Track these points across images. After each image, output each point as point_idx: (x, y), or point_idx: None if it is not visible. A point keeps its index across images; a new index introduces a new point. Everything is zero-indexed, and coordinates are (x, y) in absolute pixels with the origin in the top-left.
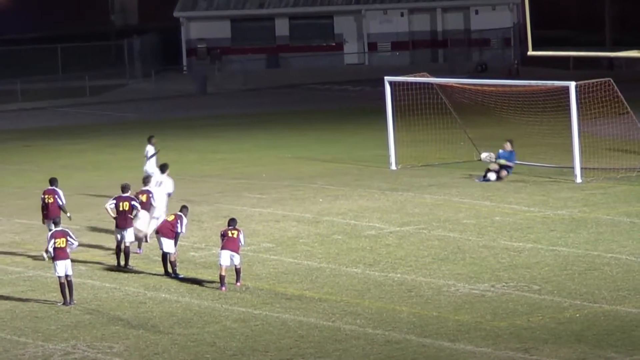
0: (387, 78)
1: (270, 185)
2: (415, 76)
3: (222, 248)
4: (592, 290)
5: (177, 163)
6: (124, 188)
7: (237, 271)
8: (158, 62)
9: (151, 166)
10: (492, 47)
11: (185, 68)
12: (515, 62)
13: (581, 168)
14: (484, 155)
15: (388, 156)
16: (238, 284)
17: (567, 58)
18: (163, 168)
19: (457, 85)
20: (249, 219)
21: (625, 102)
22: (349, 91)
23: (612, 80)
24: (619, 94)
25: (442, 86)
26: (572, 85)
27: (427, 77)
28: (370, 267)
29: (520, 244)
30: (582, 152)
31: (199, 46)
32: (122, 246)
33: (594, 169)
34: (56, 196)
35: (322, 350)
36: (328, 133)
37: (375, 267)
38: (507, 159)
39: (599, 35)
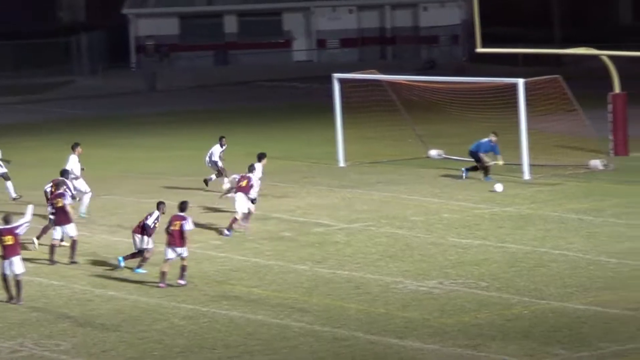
0: (335, 75)
1: (219, 182)
2: (363, 73)
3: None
4: (540, 287)
5: (125, 160)
6: (57, 185)
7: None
8: (106, 59)
9: None
10: (441, 44)
11: (133, 65)
12: (464, 59)
13: (529, 165)
14: (432, 152)
15: (336, 153)
16: (181, 281)
17: (516, 55)
18: None
19: (406, 82)
20: (197, 216)
21: (574, 99)
22: (297, 88)
23: (560, 78)
24: (568, 91)
25: (390, 83)
26: (521, 82)
27: (376, 74)
28: (318, 264)
29: (469, 240)
30: (530, 149)
31: (147, 43)
32: (61, 243)
33: (542, 165)
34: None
35: (270, 348)
36: (277, 130)
37: (324, 264)
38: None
39: (548, 32)
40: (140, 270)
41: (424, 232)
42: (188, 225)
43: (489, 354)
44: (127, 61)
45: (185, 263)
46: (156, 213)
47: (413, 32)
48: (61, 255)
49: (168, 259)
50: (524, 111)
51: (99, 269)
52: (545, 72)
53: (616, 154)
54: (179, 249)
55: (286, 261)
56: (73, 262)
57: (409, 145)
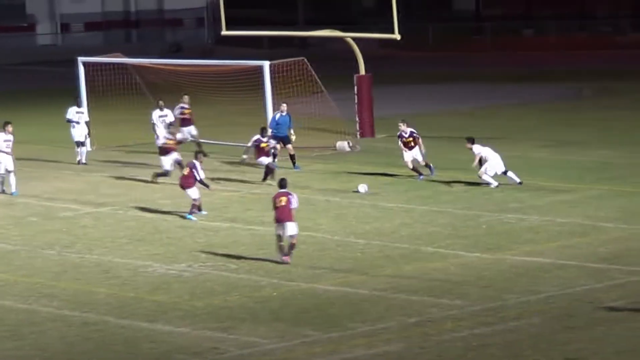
0: (80, 59)
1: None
2: (108, 57)
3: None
4: (289, 269)
5: None
6: None
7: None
8: None
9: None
10: (186, 27)
11: None
12: (209, 41)
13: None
14: (179, 135)
15: None
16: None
17: (261, 37)
18: None
19: (151, 65)
20: None
21: (319, 81)
22: (42, 72)
23: (305, 60)
24: (313, 73)
25: (136, 67)
26: (266, 64)
27: (121, 57)
28: (66, 248)
29: (217, 223)
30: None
31: None
32: None
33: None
34: None
35: (18, 334)
36: (21, 114)
37: (72, 249)
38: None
39: (292, 14)
40: (191, 217)
41: (172, 216)
42: (294, 201)
43: (240, 336)
44: None
45: (294, 241)
46: (197, 162)
47: (158, 15)
48: None
49: (279, 234)
50: (270, 93)
51: None
52: (291, 54)
53: (362, 135)
54: (288, 224)
55: (33, 246)
56: None
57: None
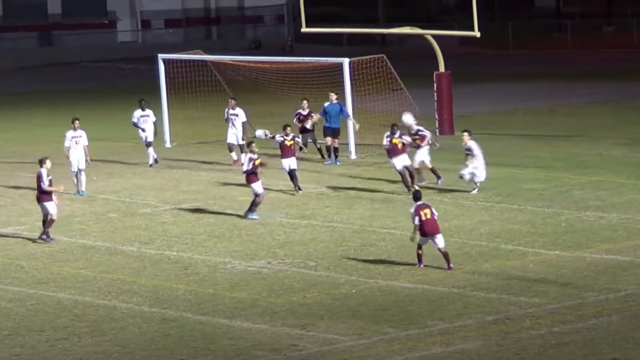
0: (160, 55)
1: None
2: (189, 53)
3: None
4: (368, 266)
5: None
6: (40, 161)
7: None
8: None
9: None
10: (266, 24)
11: None
12: (289, 38)
13: (356, 144)
14: (258, 132)
15: (162, 134)
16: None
17: (341, 35)
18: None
19: (231, 62)
20: (22, 198)
21: (399, 79)
22: (122, 69)
23: (385, 57)
24: (393, 70)
25: (216, 63)
26: (346, 61)
27: (201, 54)
28: (145, 245)
29: (296, 220)
30: (356, 128)
31: None
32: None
33: (368, 145)
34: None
35: (98, 329)
36: (101, 111)
37: (151, 245)
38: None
39: (372, 12)
40: (253, 216)
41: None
42: (435, 213)
43: (318, 333)
44: None
45: (444, 250)
46: (249, 155)
47: (238, 12)
48: None
49: (420, 245)
50: (350, 90)
51: None
52: (371, 51)
53: (442, 132)
54: (439, 236)
55: (113, 242)
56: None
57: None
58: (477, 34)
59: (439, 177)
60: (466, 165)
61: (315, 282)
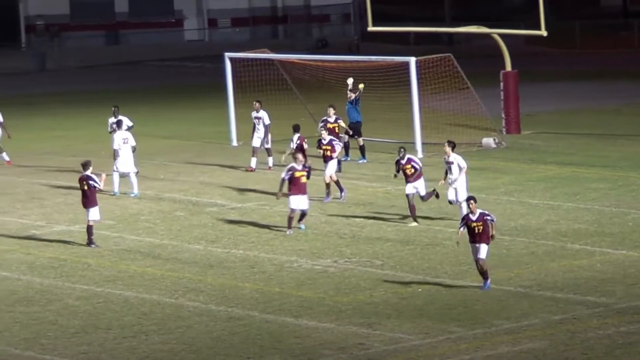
0: (227, 54)
1: (110, 163)
2: (255, 52)
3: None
4: (434, 265)
5: (15, 140)
6: (85, 165)
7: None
8: None
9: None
10: (332, 22)
11: (24, 45)
12: (356, 37)
13: (422, 143)
14: (324, 133)
15: (229, 132)
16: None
17: (408, 33)
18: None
19: (298, 61)
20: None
21: (465, 78)
22: (189, 68)
23: (452, 56)
24: (459, 69)
25: (282, 62)
26: (413, 60)
27: (268, 53)
28: (212, 243)
29: (363, 219)
30: (422, 127)
31: (37, 23)
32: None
33: (434, 144)
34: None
35: (165, 328)
36: (168, 110)
37: (218, 244)
38: None
39: (438, 10)
40: (300, 226)
41: (318, 211)
42: (491, 217)
43: (384, 332)
44: (18, 41)
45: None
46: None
47: (305, 11)
48: None
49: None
50: (417, 89)
51: None
52: (437, 50)
53: (508, 132)
54: (482, 246)
55: (180, 241)
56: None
57: (301, 123)
58: (544, 33)
59: (342, 190)
60: (448, 183)
61: (382, 281)
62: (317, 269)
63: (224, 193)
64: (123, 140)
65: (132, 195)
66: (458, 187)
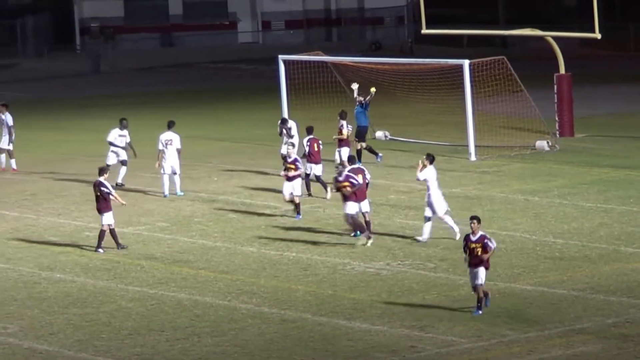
0: (281, 57)
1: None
2: (309, 55)
3: None
4: None
5: (71, 142)
6: (101, 171)
7: None
8: (51, 41)
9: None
10: (386, 25)
11: (78, 47)
12: (409, 40)
13: (475, 146)
14: (379, 133)
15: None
16: None
17: (461, 36)
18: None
19: (351, 63)
20: (142, 198)
21: (519, 80)
22: (242, 70)
23: (505, 59)
24: (513, 72)
25: (336, 65)
26: (466, 63)
27: (321, 55)
28: (265, 245)
29: (415, 222)
30: (476, 130)
31: (92, 25)
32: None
33: (488, 147)
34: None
35: (218, 330)
36: (222, 112)
37: (271, 246)
38: None
39: (492, 13)
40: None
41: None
42: (491, 244)
43: (437, 335)
44: (73, 43)
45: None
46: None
47: (358, 14)
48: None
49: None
50: (470, 92)
51: (46, 252)
52: (491, 53)
53: (562, 134)
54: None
55: (233, 243)
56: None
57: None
58: (598, 35)
59: (298, 214)
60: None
61: (435, 284)
62: (370, 271)
63: (278, 195)
64: (166, 142)
65: (177, 194)
66: (434, 202)
